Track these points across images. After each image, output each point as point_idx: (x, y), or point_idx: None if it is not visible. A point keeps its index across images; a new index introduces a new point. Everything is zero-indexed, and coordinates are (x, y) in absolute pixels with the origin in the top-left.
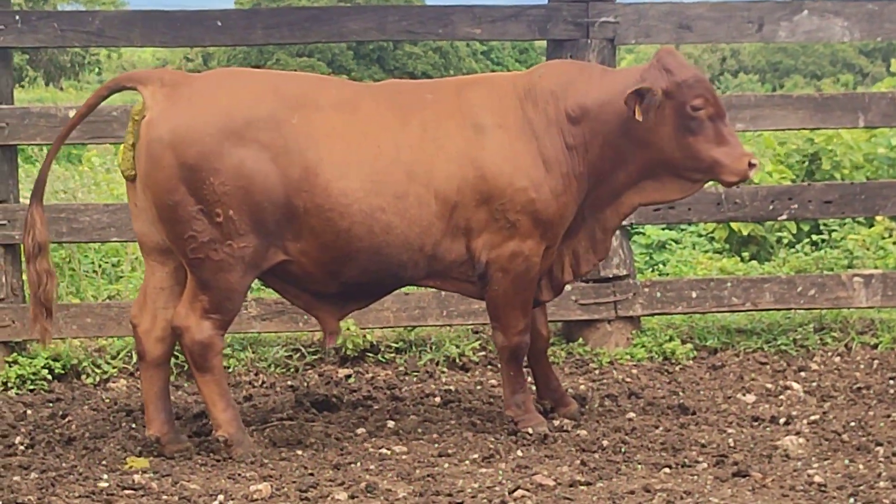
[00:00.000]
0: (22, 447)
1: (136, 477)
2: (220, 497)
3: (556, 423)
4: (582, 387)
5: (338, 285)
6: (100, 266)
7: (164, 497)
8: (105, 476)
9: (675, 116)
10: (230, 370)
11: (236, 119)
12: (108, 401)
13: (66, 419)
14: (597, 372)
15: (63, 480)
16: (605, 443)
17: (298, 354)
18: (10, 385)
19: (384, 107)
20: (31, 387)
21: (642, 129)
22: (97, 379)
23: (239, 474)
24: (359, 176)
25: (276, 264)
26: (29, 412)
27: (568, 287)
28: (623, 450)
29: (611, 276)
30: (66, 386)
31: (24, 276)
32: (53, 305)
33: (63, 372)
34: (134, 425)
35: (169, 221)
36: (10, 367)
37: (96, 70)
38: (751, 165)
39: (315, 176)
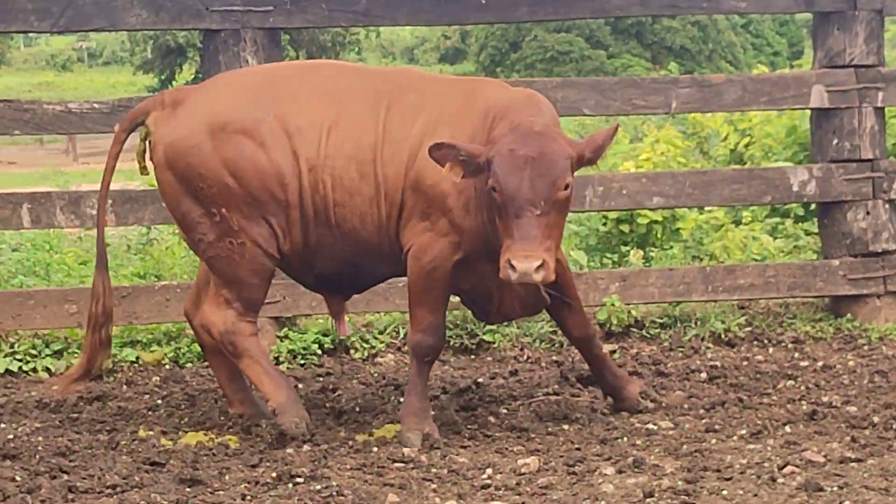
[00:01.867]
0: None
1: (406, 450)
2: (489, 471)
3: (825, 399)
4: (851, 362)
5: (313, 277)
6: None
7: (434, 470)
8: (375, 449)
9: None
10: (495, 345)
11: (215, 124)
12: (376, 375)
13: (336, 393)
14: (865, 348)
15: (335, 453)
16: (875, 419)
17: None
18: (281, 360)
19: (362, 98)
20: (302, 361)
21: None
22: (365, 354)
23: (507, 448)
24: (324, 170)
25: None
26: (300, 386)
27: (835, 262)
28: (894, 426)
29: (880, 250)
30: (335, 360)
31: None
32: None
33: (332, 347)
34: (402, 399)
35: (183, 230)
36: (282, 342)
37: (356, 49)
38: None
39: (287, 171)
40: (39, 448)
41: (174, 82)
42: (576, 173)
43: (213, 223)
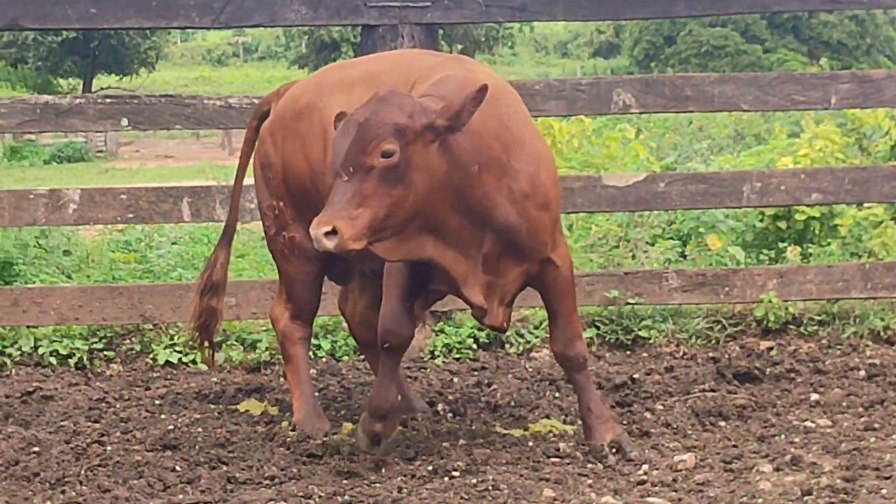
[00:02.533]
0: (449, 414)
1: (562, 445)
2: (645, 467)
3: None
4: None
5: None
6: None
7: (589, 465)
8: (530, 444)
9: None
10: (651, 342)
11: (283, 114)
12: (531, 370)
13: (491, 388)
14: None
15: (490, 447)
16: None
17: (719, 326)
18: (436, 354)
19: (369, 86)
20: (457, 355)
21: None
22: (521, 348)
23: (662, 444)
24: None
25: None
26: (455, 380)
27: None
28: None
29: None
30: (490, 355)
31: None
32: (214, 339)
33: (487, 341)
34: (557, 394)
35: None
36: (437, 335)
37: (509, 44)
38: None
39: (324, 161)
40: (199, 439)
41: None
42: (728, 168)
43: (274, 216)
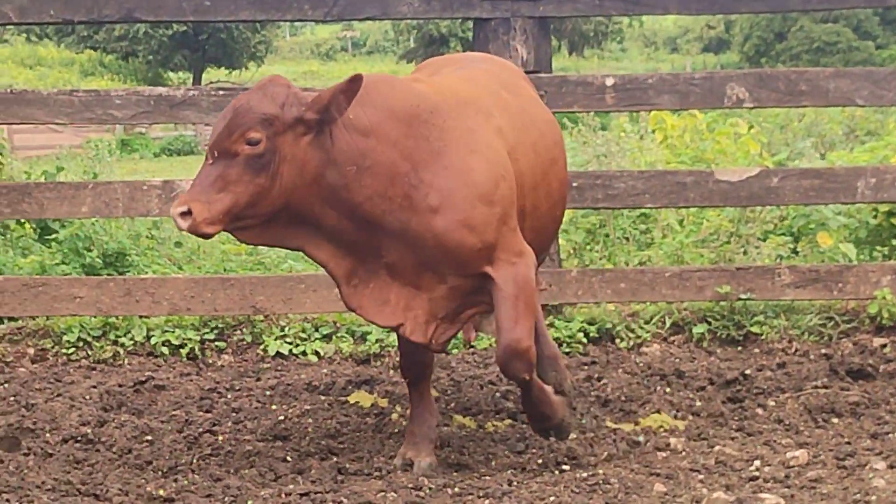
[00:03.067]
0: None
1: (672, 440)
2: (757, 462)
3: None
4: None
5: None
6: (631, 232)
7: (701, 461)
8: (641, 438)
9: None
10: (763, 338)
11: None
12: (641, 364)
13: (601, 382)
14: None
15: (601, 442)
16: None
17: (832, 322)
18: None
19: None
20: (568, 349)
21: None
22: (631, 343)
23: (775, 441)
24: None
25: None
26: None
27: None
28: None
29: None
30: (600, 349)
31: (562, 241)
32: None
33: (598, 336)
34: (668, 389)
35: None
36: (548, 329)
37: (618, 39)
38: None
39: None
40: (309, 430)
41: None
42: (841, 164)
43: None
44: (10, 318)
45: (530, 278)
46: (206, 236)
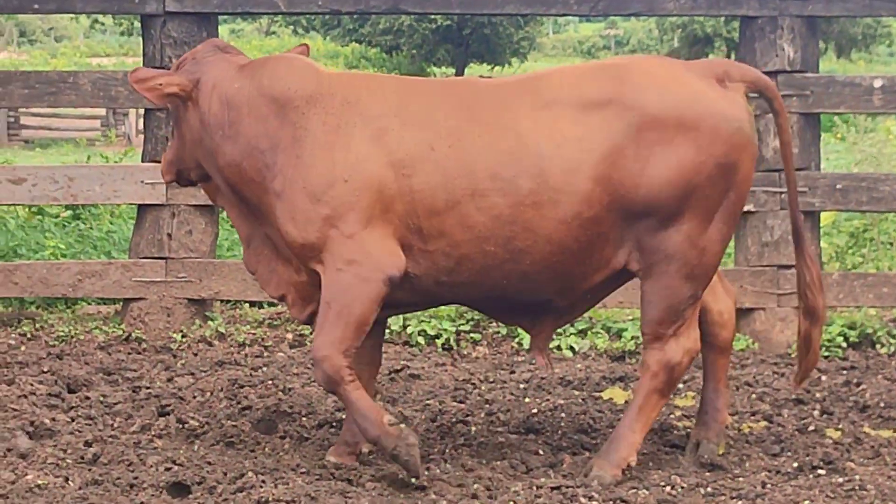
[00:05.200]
0: (815, 412)
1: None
2: None
3: None
4: None
5: None
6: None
7: None
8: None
9: None
10: None
11: None
12: None
13: (861, 387)
14: None
15: (857, 447)
16: None
17: None
18: None
19: None
20: (826, 353)
21: None
22: (892, 349)
23: None
24: None
25: None
26: (823, 378)
27: None
28: None
29: None
30: (860, 354)
31: (824, 244)
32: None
33: (857, 340)
34: None
35: None
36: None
37: (887, 42)
38: None
39: None
40: (562, 424)
41: None
42: None
43: None
44: (271, 304)
45: (354, 289)
46: (168, 183)
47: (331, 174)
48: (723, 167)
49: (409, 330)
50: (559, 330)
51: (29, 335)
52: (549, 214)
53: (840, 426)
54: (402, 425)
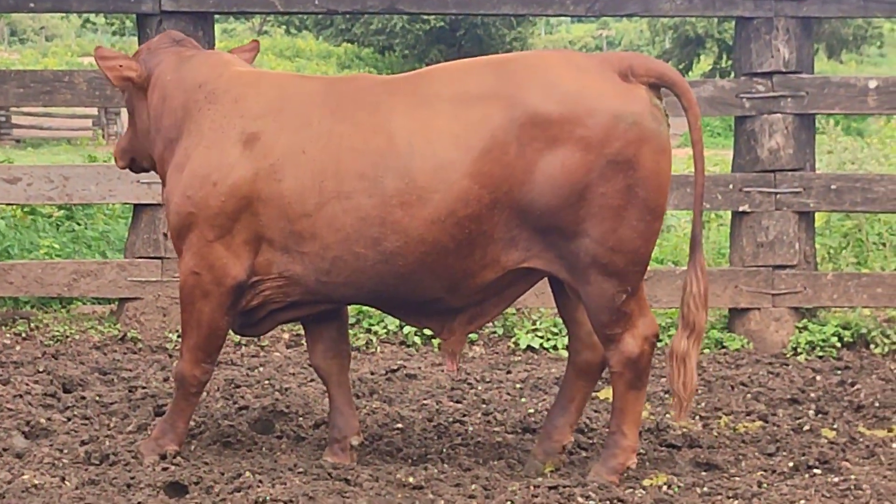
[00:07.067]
0: (810, 412)
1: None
2: None
3: None
4: None
5: None
6: (888, 238)
7: None
8: (895, 445)
9: None
10: None
11: None
12: (895, 372)
13: (855, 387)
14: None
15: (852, 446)
16: None
17: None
18: (799, 350)
19: None
20: (820, 353)
21: None
22: (885, 349)
23: None
24: None
25: None
26: (818, 378)
27: None
28: None
29: None
30: (854, 354)
31: (817, 244)
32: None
33: (852, 340)
34: None
35: None
36: (800, 332)
37: (877, 43)
38: None
39: None
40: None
41: (690, 73)
42: None
43: None
44: None
45: (198, 301)
46: (122, 168)
47: (204, 174)
48: (617, 164)
49: (405, 330)
50: (555, 330)
51: (24, 335)
52: (419, 214)
53: (835, 426)
54: (178, 452)
